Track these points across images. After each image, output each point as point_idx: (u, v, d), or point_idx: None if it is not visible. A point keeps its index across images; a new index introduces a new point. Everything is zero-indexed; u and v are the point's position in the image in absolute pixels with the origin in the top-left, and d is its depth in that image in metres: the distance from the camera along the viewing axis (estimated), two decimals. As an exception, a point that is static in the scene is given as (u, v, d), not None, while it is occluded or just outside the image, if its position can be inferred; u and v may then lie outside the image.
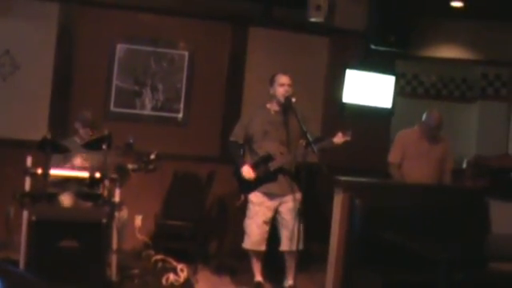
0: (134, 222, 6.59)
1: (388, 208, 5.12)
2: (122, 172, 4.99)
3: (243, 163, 5.49)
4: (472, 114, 9.18)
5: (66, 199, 5.46)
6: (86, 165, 5.66)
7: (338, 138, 5.34)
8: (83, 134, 5.73)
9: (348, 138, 5.33)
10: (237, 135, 5.62)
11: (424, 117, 6.20)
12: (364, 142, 6.59)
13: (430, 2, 7.12)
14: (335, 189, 5.41)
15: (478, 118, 9.09)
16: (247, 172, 5.42)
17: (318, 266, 5.85)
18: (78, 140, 5.73)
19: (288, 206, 5.43)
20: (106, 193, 4.96)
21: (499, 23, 7.48)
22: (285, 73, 5.53)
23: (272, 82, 5.53)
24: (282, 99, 5.43)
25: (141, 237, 6.67)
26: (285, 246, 5.45)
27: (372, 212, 5.08)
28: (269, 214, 5.45)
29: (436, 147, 6.20)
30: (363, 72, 7.35)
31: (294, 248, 5.32)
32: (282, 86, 5.44)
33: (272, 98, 5.54)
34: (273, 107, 5.55)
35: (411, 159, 6.19)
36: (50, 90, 6.62)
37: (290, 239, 5.38)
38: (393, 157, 6.30)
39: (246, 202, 5.51)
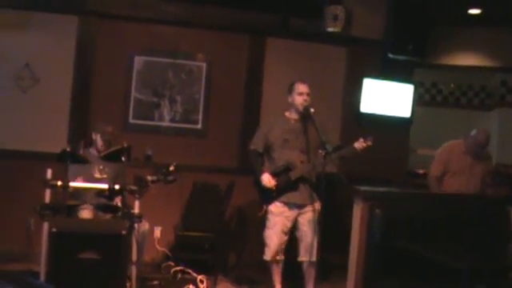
0: (153, 234, 6.61)
1: (408, 217, 5.10)
2: (141, 184, 4.99)
3: (263, 172, 5.48)
4: (491, 122, 9.11)
5: (85, 212, 5.49)
6: (104, 176, 5.68)
7: (360, 143, 5.29)
8: (100, 146, 5.73)
9: (369, 144, 5.28)
10: (256, 144, 5.61)
11: (473, 132, 6.26)
12: (383, 152, 6.56)
13: (448, 9, 7.09)
14: (355, 198, 5.40)
15: (497, 126, 9.02)
16: (267, 180, 5.40)
17: (338, 276, 5.83)
18: (94, 152, 5.74)
19: (307, 216, 5.40)
20: (125, 205, 4.97)
21: (517, 30, 7.45)
22: (303, 81, 5.50)
23: (290, 90, 5.51)
24: (300, 108, 5.41)
25: (160, 248, 6.69)
26: (302, 256, 5.43)
27: (392, 222, 5.06)
28: (288, 224, 5.43)
29: (480, 164, 6.25)
30: (381, 81, 7.34)
31: (313, 259, 5.29)
32: (301, 95, 5.42)
33: (291, 106, 5.53)
34: (292, 115, 5.53)
35: (453, 174, 6.25)
36: (70, 103, 6.66)
37: (308, 250, 5.36)
38: (434, 169, 6.38)
39: (267, 212, 5.49)
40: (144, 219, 5.19)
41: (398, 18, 7.07)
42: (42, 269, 4.73)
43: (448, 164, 6.28)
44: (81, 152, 5.44)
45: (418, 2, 6.96)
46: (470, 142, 6.26)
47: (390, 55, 7.18)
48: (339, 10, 6.92)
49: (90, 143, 5.88)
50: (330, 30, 6.98)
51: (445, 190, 6.20)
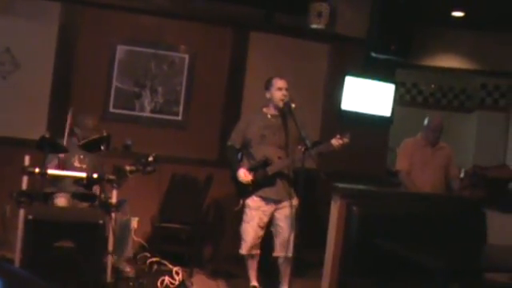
0: (130, 224, 6.58)
1: (385, 216, 5.12)
2: (120, 173, 4.96)
3: (239, 167, 5.47)
4: (470, 124, 9.20)
5: (61, 199, 5.45)
6: (84, 166, 5.64)
7: (336, 140, 5.25)
8: (81, 139, 5.66)
9: (346, 141, 5.26)
10: (234, 140, 5.61)
11: (425, 122, 6.40)
12: (363, 150, 6.59)
13: (431, 11, 7.13)
14: (332, 195, 5.40)
15: (476, 128, 9.11)
16: (243, 175, 5.40)
17: (314, 273, 5.84)
18: (75, 140, 5.68)
19: (284, 212, 5.41)
20: (102, 194, 4.93)
21: (500, 34, 7.51)
22: (281, 77, 5.51)
23: (269, 85, 5.50)
24: (279, 104, 5.40)
25: (137, 239, 6.66)
26: (278, 251, 5.44)
27: (369, 220, 5.07)
28: (264, 219, 5.44)
29: (439, 153, 6.39)
30: (363, 79, 7.36)
31: (288, 254, 5.30)
32: (280, 90, 5.42)
33: (269, 102, 5.52)
34: (269, 111, 5.53)
35: (417, 167, 6.34)
36: (50, 90, 6.61)
37: (284, 245, 5.37)
38: (401, 164, 6.44)
39: (243, 206, 5.50)
40: (125, 210, 5.16)
41: (382, 17, 7.10)
42: (16, 256, 4.69)
43: (411, 157, 6.38)
44: (64, 140, 5.39)
45: (402, 2, 6.99)
46: (425, 131, 6.41)
47: (373, 54, 7.20)
48: (324, 7, 6.94)
49: (73, 134, 5.82)
50: (314, 26, 7.00)
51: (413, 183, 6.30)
